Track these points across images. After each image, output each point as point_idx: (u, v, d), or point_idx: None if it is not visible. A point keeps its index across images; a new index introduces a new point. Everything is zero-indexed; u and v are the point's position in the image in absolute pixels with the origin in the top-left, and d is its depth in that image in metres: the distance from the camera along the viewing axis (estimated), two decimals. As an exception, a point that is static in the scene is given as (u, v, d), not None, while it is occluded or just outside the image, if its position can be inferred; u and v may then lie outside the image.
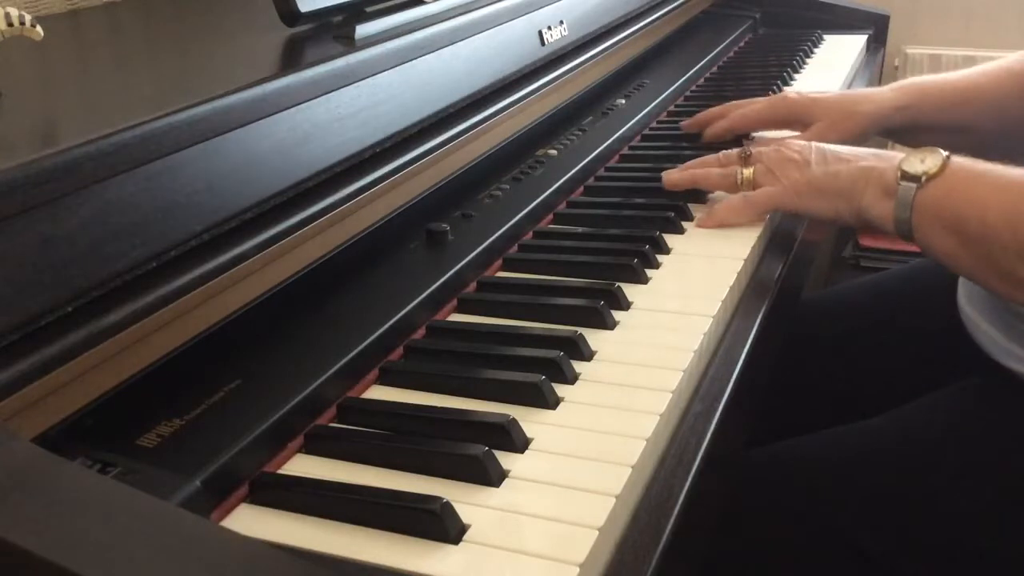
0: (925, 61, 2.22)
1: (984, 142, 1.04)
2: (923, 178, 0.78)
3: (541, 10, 1.05)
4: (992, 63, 1.06)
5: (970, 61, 2.17)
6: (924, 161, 0.79)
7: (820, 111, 1.05)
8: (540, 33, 1.03)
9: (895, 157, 0.82)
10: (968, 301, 0.90)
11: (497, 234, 0.83)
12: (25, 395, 0.47)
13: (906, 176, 0.79)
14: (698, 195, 0.96)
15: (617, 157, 1.09)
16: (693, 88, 1.37)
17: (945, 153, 0.78)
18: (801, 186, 0.86)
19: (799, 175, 0.86)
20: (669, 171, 0.96)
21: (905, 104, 1.06)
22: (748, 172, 0.90)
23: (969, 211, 0.75)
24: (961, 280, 0.93)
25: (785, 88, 1.36)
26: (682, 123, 1.14)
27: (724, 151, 0.96)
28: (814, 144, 0.88)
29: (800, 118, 1.07)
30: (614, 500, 0.53)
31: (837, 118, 1.05)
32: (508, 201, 0.90)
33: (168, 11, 1.13)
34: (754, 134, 1.11)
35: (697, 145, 1.10)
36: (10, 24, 0.65)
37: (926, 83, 1.08)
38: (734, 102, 1.13)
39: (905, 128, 1.08)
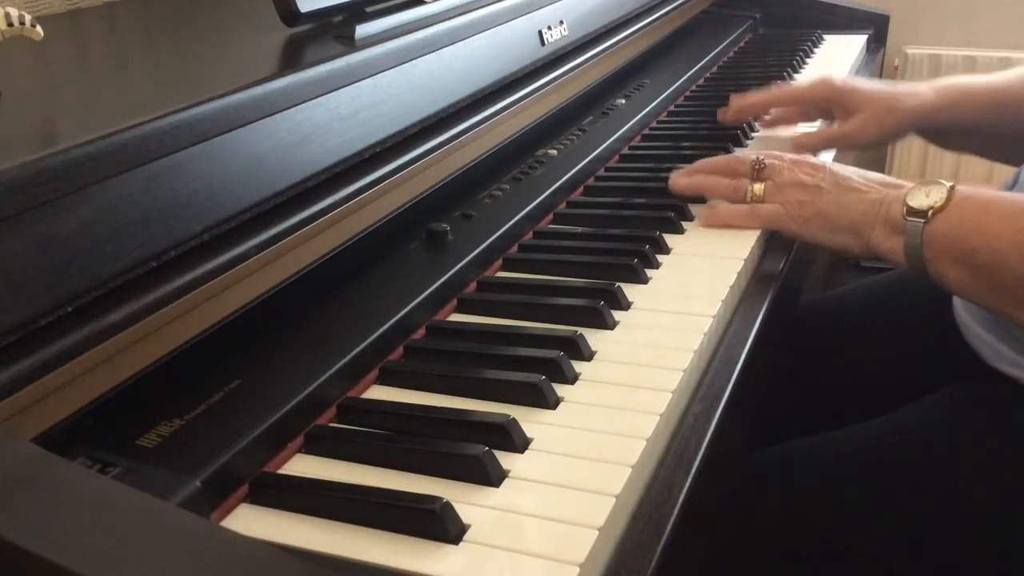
0: (925, 61, 2.22)
1: (1015, 149, 1.04)
2: (929, 212, 0.77)
3: (541, 10, 1.05)
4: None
5: (970, 61, 2.17)
6: (929, 195, 0.77)
7: (863, 101, 1.04)
8: (540, 33, 1.03)
9: (902, 188, 0.81)
10: (963, 306, 0.90)
11: (497, 234, 0.83)
12: (25, 395, 0.47)
13: (912, 211, 0.77)
14: (699, 196, 0.96)
15: (617, 157, 1.09)
16: (693, 88, 1.37)
17: (949, 184, 0.78)
18: (810, 214, 0.85)
19: (809, 202, 0.85)
20: (676, 175, 0.95)
21: (945, 106, 1.05)
22: (758, 188, 0.88)
23: (978, 241, 0.74)
24: None
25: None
26: (721, 114, 1.14)
27: (735, 155, 0.96)
28: (828, 167, 0.87)
29: (842, 104, 1.06)
30: (614, 500, 0.53)
31: (880, 110, 1.04)
32: (508, 201, 0.90)
33: (168, 11, 1.13)
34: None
35: (698, 144, 1.11)
36: (10, 24, 0.65)
37: (964, 85, 1.06)
38: (775, 87, 1.14)
39: (942, 129, 1.08)
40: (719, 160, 0.95)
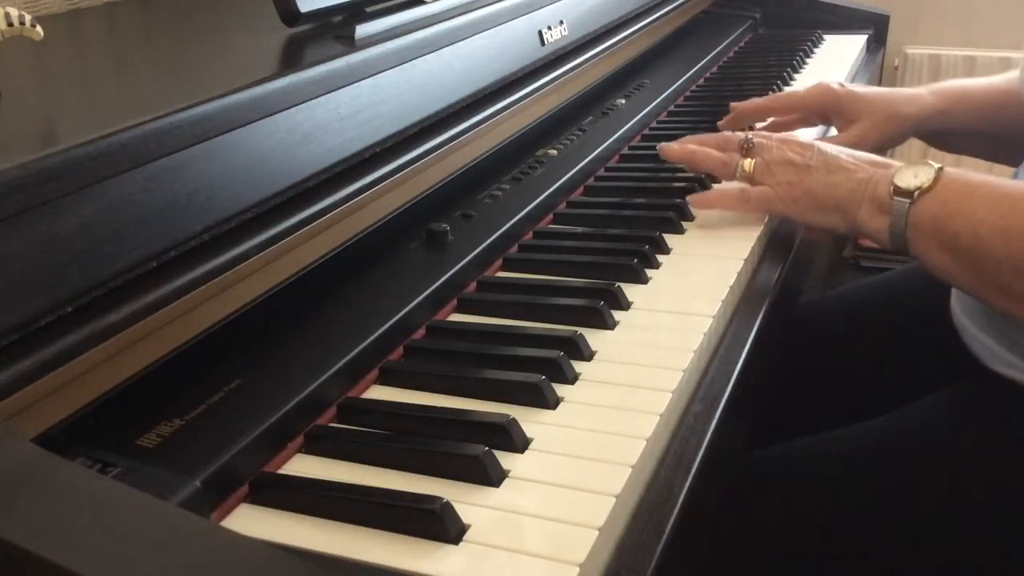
0: (925, 61, 2.22)
1: (1016, 151, 1.04)
2: (916, 193, 0.77)
3: (541, 10, 1.05)
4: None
5: (970, 61, 2.17)
6: (917, 175, 0.78)
7: (863, 108, 1.05)
8: (540, 33, 1.03)
9: (890, 167, 0.81)
10: (960, 307, 0.90)
11: (497, 234, 0.83)
12: (25, 395, 0.47)
13: (899, 191, 0.78)
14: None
15: (617, 157, 1.09)
16: (693, 88, 1.37)
17: (938, 166, 0.78)
18: (799, 194, 0.85)
19: (798, 181, 0.85)
20: (667, 143, 0.96)
21: (943, 110, 1.05)
22: (748, 164, 0.89)
23: (961, 225, 0.74)
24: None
25: (786, 88, 1.36)
26: (719, 123, 1.14)
27: (724, 134, 0.96)
28: (816, 146, 0.87)
29: (842, 112, 1.06)
30: (614, 500, 0.53)
31: (880, 119, 1.04)
32: (508, 201, 0.90)
33: (168, 11, 1.13)
34: (759, 125, 1.12)
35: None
36: (10, 24, 0.65)
37: (963, 89, 1.07)
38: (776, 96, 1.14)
39: (941, 133, 1.08)
40: (708, 136, 0.96)
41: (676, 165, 0.99)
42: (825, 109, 1.08)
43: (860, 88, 1.08)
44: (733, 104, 1.14)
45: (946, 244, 0.76)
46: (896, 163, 0.82)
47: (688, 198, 0.93)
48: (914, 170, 0.78)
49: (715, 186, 0.97)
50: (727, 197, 0.90)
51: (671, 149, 0.95)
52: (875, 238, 0.81)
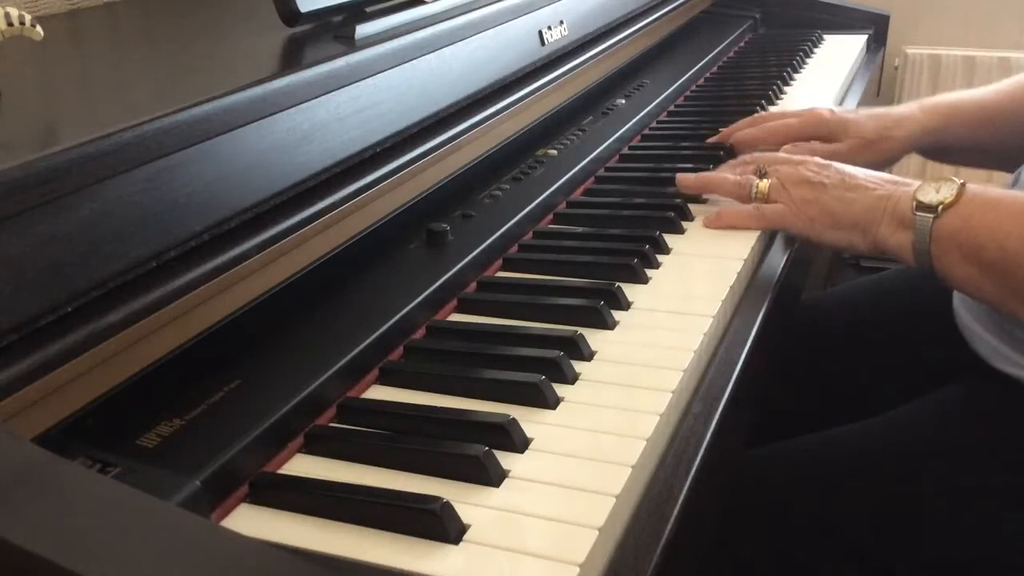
0: (925, 61, 2.22)
1: (1010, 160, 1.04)
2: (939, 208, 0.77)
3: (541, 10, 1.05)
4: (1010, 81, 1.06)
5: (970, 61, 2.17)
6: (939, 191, 0.78)
7: (854, 131, 1.05)
8: (540, 33, 1.03)
9: (910, 185, 0.81)
10: (962, 305, 0.90)
11: (497, 234, 0.83)
12: (25, 395, 0.47)
13: (921, 206, 0.78)
14: (701, 196, 0.96)
15: (617, 157, 1.09)
16: (693, 88, 1.37)
17: (960, 181, 0.78)
18: (815, 212, 0.84)
19: (814, 199, 0.85)
20: (683, 173, 0.96)
21: (934, 128, 1.06)
22: (763, 185, 0.88)
23: (987, 238, 0.74)
24: None
25: (786, 88, 1.36)
26: (710, 139, 1.12)
27: (740, 160, 0.96)
28: (833, 165, 0.87)
29: (833, 137, 1.06)
30: (614, 500, 0.53)
31: (871, 139, 1.04)
32: (508, 201, 0.90)
33: (168, 11, 1.13)
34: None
35: (698, 145, 1.10)
36: (10, 24, 0.65)
37: (954, 105, 1.07)
38: (763, 114, 1.13)
39: (934, 149, 1.09)
40: (724, 166, 0.96)
41: (677, 165, 0.99)
42: (816, 137, 1.08)
43: (850, 113, 1.08)
44: (724, 130, 1.12)
45: (972, 257, 0.76)
46: (915, 182, 0.82)
47: (703, 220, 0.91)
48: (936, 185, 0.78)
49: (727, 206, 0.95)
50: (741, 215, 0.88)
51: (687, 180, 0.95)
52: (898, 254, 0.81)
